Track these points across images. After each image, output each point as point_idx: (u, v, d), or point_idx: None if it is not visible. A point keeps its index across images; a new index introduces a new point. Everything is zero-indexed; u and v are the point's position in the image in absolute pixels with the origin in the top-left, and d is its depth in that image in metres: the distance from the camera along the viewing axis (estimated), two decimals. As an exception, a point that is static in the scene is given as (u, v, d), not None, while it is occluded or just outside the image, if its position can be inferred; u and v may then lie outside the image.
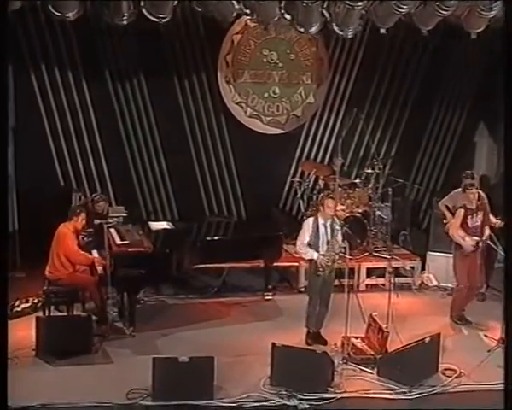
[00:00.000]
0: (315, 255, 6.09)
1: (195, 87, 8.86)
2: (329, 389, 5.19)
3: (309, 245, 6.13)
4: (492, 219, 6.92)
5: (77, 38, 8.10)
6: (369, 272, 8.05)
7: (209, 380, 4.99)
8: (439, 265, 8.02)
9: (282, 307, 7.18)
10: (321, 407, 5.02)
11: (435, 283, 8.05)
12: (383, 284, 7.89)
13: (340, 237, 6.21)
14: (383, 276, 7.93)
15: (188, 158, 9.03)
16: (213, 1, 5.76)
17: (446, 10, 5.88)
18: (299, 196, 8.68)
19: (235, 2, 5.85)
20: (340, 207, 8.24)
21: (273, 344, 5.31)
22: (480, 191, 7.76)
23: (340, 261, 6.26)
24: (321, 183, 8.83)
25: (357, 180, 8.61)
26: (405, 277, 8.17)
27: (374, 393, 5.23)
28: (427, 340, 5.59)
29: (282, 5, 6.01)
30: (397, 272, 8.14)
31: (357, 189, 8.53)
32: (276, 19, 6.18)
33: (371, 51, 8.96)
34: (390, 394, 5.24)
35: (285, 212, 9.26)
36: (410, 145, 9.64)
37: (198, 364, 5.02)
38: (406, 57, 9.22)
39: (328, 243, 6.12)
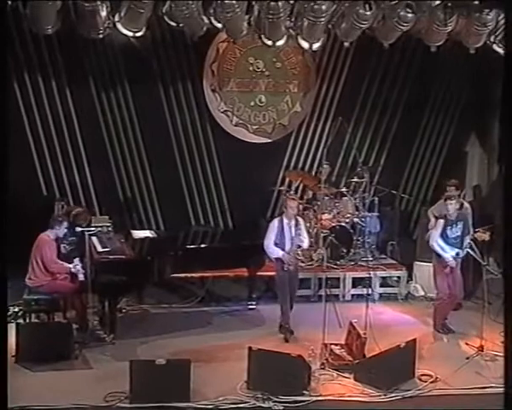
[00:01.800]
0: (281, 254, 6.81)
1: (181, 96, 9.33)
2: (305, 392, 5.60)
3: (275, 244, 6.87)
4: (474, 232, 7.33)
5: (60, 47, 8.57)
6: (356, 282, 8.47)
7: (186, 382, 5.41)
8: (426, 275, 8.34)
9: (266, 316, 7.59)
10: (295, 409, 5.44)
11: (422, 293, 8.45)
12: (369, 294, 8.32)
13: (305, 235, 7.01)
14: (370, 286, 8.38)
15: (173, 167, 9.49)
16: (183, 16, 6.29)
17: (404, 25, 6.49)
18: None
19: (204, 17, 6.41)
20: (325, 216, 8.72)
21: (249, 348, 5.73)
22: (464, 201, 8.22)
23: (303, 259, 7.13)
24: (310, 192, 9.28)
25: (344, 189, 9.07)
26: (392, 287, 8.62)
27: (348, 396, 5.64)
28: (402, 345, 6.01)
29: (251, 19, 6.57)
30: (384, 282, 8.63)
31: (343, 198, 8.98)
32: (244, 33, 6.74)
33: (359, 59, 9.42)
34: (364, 397, 5.65)
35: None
36: (400, 154, 10.11)
37: (175, 366, 5.44)
38: (395, 65, 9.71)
39: (292, 241, 6.85)
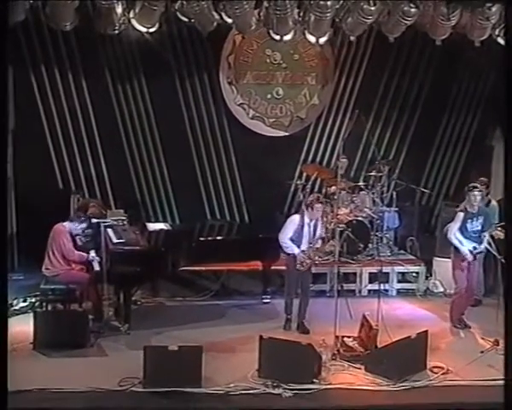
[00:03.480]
0: (296, 251, 7.19)
1: (197, 88, 9.79)
2: (315, 380, 6.04)
3: (291, 240, 7.23)
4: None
5: (77, 41, 9.08)
6: (373, 278, 8.84)
7: (197, 368, 5.89)
8: (446, 271, 8.67)
9: (280, 309, 7.99)
10: (305, 397, 5.88)
11: (441, 289, 8.80)
12: (386, 290, 8.74)
13: (321, 239, 7.38)
14: (387, 282, 8.80)
15: (189, 161, 9.96)
16: (194, 12, 6.84)
17: (408, 20, 6.96)
18: (301, 198, 9.55)
19: (214, 13, 6.94)
20: (342, 210, 9.14)
21: (260, 337, 6.20)
22: (492, 199, 8.50)
23: (317, 258, 7.41)
24: (331, 187, 9.64)
25: (362, 183, 9.46)
26: (410, 282, 9.00)
27: (358, 385, 6.07)
28: (413, 336, 6.41)
29: (260, 14, 7.11)
30: (402, 278, 9.03)
31: (361, 192, 9.39)
32: (253, 28, 7.27)
33: (379, 51, 9.75)
34: (374, 386, 6.07)
35: (289, 216, 10.10)
36: (421, 148, 10.44)
37: (187, 352, 5.92)
38: (416, 57, 10.03)
39: (310, 242, 7.24)
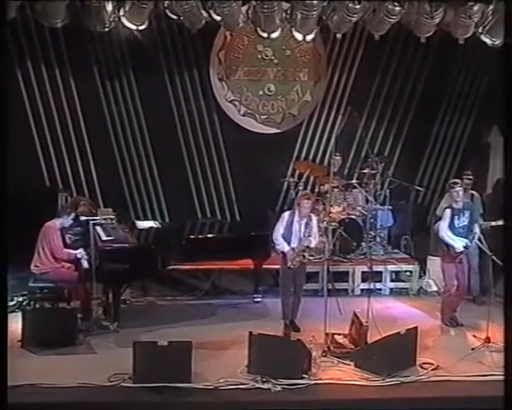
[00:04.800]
0: (286, 249, 7.45)
1: (187, 85, 10.11)
2: (304, 375, 6.37)
3: (283, 237, 7.51)
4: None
5: (66, 38, 9.37)
6: (366, 277, 9.18)
7: (187, 363, 6.20)
8: (440, 270, 9.08)
9: (271, 308, 8.35)
10: (294, 391, 6.21)
11: (435, 288, 9.13)
12: (379, 289, 9.09)
13: (315, 234, 7.59)
14: (381, 281, 9.15)
15: (179, 159, 10.27)
16: (183, 10, 7.23)
17: (392, 18, 7.39)
18: (293, 196, 9.89)
19: (203, 11, 7.34)
20: (335, 208, 9.48)
21: (250, 333, 6.52)
22: (474, 192, 8.87)
23: (307, 256, 7.61)
24: (323, 186, 9.97)
25: (355, 181, 9.80)
26: (404, 281, 9.34)
27: (347, 381, 6.40)
28: (403, 332, 6.74)
29: (248, 12, 7.52)
30: (396, 277, 9.38)
31: (354, 190, 9.73)
32: (240, 25, 7.67)
33: (372, 47, 9.99)
34: (363, 381, 6.40)
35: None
36: (416, 146, 10.79)
37: (176, 348, 6.24)
38: (410, 53, 10.36)
39: (300, 240, 7.46)
